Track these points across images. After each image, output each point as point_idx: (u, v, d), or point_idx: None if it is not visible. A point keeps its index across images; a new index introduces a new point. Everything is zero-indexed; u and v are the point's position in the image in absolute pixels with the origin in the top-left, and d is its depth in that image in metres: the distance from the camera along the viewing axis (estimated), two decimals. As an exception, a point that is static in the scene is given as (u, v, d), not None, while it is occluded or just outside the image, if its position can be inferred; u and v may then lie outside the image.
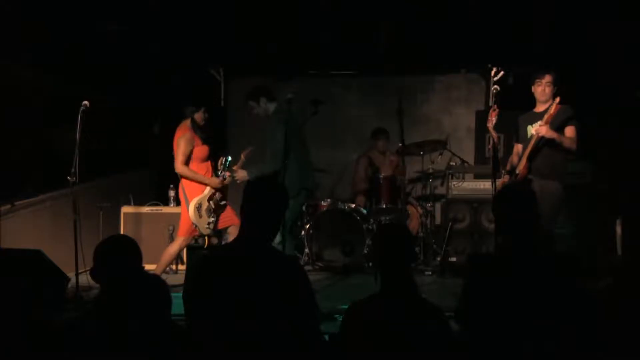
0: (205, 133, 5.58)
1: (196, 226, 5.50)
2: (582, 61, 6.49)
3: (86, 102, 5.28)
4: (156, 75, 7.31)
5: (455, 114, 8.31)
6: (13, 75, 5.81)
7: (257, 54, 7.51)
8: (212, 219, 5.52)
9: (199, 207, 5.50)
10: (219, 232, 7.41)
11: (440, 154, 7.05)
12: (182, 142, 5.42)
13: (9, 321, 3.89)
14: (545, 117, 4.93)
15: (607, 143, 6.28)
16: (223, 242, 7.05)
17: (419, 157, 6.96)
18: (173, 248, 5.59)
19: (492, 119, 5.06)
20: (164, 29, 6.91)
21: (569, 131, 5.06)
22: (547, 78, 5.10)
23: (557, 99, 4.93)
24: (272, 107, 5.45)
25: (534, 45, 6.72)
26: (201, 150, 5.50)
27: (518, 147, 5.35)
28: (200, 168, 5.51)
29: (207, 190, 5.51)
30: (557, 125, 5.02)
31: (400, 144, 6.19)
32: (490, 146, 5.08)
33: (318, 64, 7.86)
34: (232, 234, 5.71)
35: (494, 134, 5.06)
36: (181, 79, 7.50)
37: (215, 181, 5.49)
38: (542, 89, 5.11)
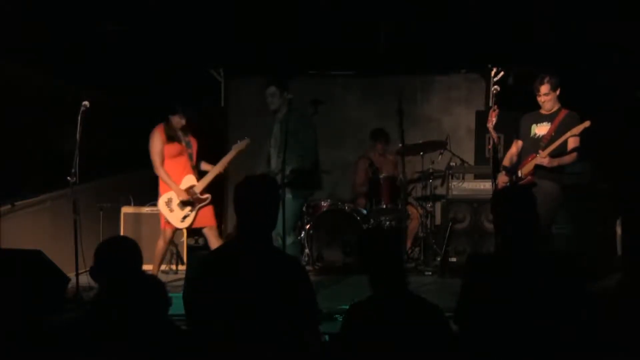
0: (175, 131, 5.64)
1: (167, 220, 5.59)
2: (582, 61, 6.49)
3: (86, 102, 5.29)
4: (156, 75, 7.31)
5: (455, 114, 8.31)
6: (13, 75, 5.80)
7: (257, 54, 7.50)
8: (187, 213, 5.58)
9: (168, 202, 5.59)
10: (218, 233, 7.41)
11: (441, 153, 7.06)
12: (152, 141, 5.60)
13: (9, 321, 3.89)
14: (547, 150, 4.97)
15: (607, 143, 6.28)
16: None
17: (419, 157, 6.97)
18: (159, 243, 5.66)
19: (492, 119, 5.07)
20: (164, 29, 6.90)
21: (573, 142, 5.08)
22: (543, 89, 5.11)
23: (587, 123, 4.94)
24: (285, 105, 5.38)
25: (534, 45, 6.72)
26: (170, 147, 5.60)
27: (518, 144, 5.35)
28: (172, 165, 5.60)
29: (183, 184, 5.61)
30: (561, 125, 5.05)
31: (400, 144, 6.17)
32: (490, 146, 5.10)
33: (318, 64, 7.86)
34: (207, 236, 5.69)
35: (494, 134, 5.07)
36: (181, 79, 7.50)
37: (181, 192, 5.56)
38: (542, 100, 5.13)
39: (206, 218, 5.64)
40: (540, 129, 5.18)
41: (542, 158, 4.99)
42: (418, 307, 2.82)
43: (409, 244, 6.90)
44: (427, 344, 2.71)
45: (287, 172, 5.09)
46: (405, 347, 2.68)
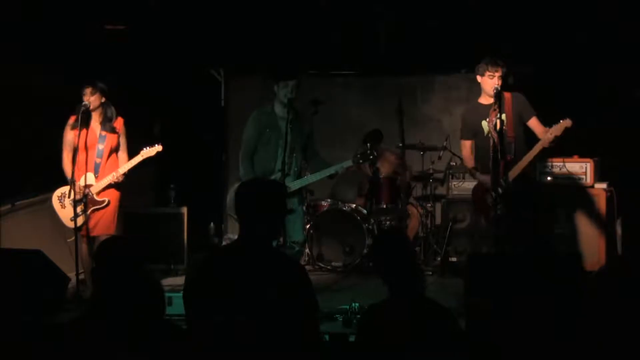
0: (86, 118, 5.24)
1: (59, 217, 5.34)
2: (582, 61, 6.49)
3: (86, 102, 5.28)
4: (156, 75, 7.31)
5: (455, 114, 8.26)
6: (13, 75, 5.80)
7: (257, 54, 7.50)
8: (78, 213, 5.18)
9: (61, 197, 5.34)
10: (218, 234, 7.41)
11: (441, 153, 7.05)
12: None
13: (9, 321, 3.89)
14: (552, 137, 4.92)
15: (607, 143, 6.28)
16: (223, 243, 7.05)
17: (419, 157, 6.97)
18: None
19: (492, 119, 5.04)
20: (164, 28, 6.90)
21: (536, 122, 5.06)
22: (501, 71, 5.04)
23: (567, 122, 4.86)
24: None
25: (534, 45, 6.71)
26: (72, 135, 5.27)
27: (467, 145, 5.30)
28: (80, 157, 5.20)
29: (82, 181, 5.27)
30: (517, 114, 5.04)
31: (400, 144, 6.18)
32: (491, 146, 5.06)
33: (318, 64, 7.85)
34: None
35: (494, 134, 5.04)
36: (181, 79, 7.50)
37: (76, 189, 5.16)
38: (494, 83, 5.01)
39: (104, 225, 5.32)
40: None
41: (549, 138, 4.95)
42: (430, 308, 2.83)
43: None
44: (441, 347, 2.72)
45: (329, 174, 5.20)
46: (421, 350, 2.69)
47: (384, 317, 2.82)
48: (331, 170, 5.25)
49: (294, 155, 5.28)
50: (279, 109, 5.31)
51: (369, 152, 5.19)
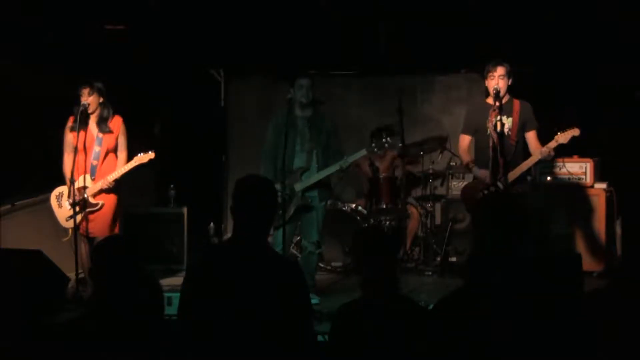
0: (83, 119, 5.22)
1: (55, 216, 5.38)
2: (582, 61, 6.49)
3: (86, 102, 5.28)
4: (156, 75, 7.31)
5: (455, 114, 8.27)
6: (13, 75, 5.80)
7: (257, 54, 7.50)
8: (76, 214, 5.21)
9: (59, 196, 5.39)
10: (218, 234, 7.40)
11: (441, 153, 7.05)
12: None
13: (8, 321, 3.90)
14: (550, 148, 4.96)
15: (607, 143, 6.29)
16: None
17: (419, 157, 6.96)
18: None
19: (492, 119, 5.04)
20: (164, 28, 6.90)
21: (534, 136, 5.10)
22: (500, 70, 5.04)
23: (576, 131, 4.91)
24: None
25: (534, 45, 6.72)
26: (74, 137, 5.25)
27: (466, 139, 5.32)
28: (79, 158, 5.22)
29: (79, 181, 5.28)
30: (521, 122, 5.06)
31: (400, 144, 6.18)
32: (490, 146, 5.07)
33: (318, 64, 7.85)
34: None
35: (494, 134, 5.04)
36: (181, 79, 7.50)
37: (71, 190, 5.20)
38: (495, 84, 5.02)
39: (101, 227, 5.34)
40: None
41: (546, 151, 4.98)
42: (406, 309, 2.82)
43: (408, 244, 6.90)
44: (413, 347, 2.71)
45: (338, 169, 5.16)
46: (391, 349, 2.69)
47: (356, 316, 2.81)
48: (349, 160, 5.22)
49: (314, 151, 5.28)
50: (297, 109, 5.32)
51: (384, 140, 5.18)
